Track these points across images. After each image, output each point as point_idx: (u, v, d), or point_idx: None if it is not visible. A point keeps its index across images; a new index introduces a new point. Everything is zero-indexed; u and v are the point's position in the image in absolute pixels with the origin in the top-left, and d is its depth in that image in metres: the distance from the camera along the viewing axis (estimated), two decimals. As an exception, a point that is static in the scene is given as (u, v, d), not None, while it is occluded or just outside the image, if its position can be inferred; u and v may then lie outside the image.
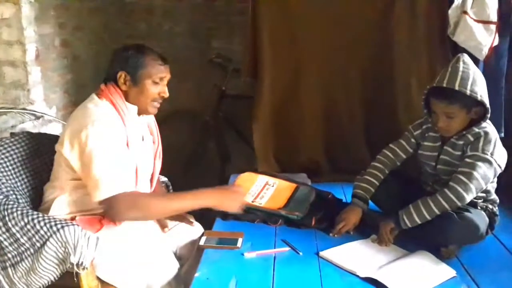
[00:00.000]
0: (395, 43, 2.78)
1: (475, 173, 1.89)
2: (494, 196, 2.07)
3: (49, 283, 1.83)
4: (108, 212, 1.83)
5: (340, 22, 2.78)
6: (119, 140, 1.87)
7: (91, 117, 1.85)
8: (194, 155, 3.56)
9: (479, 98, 1.89)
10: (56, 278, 1.82)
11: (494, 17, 2.55)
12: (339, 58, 2.84)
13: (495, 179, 2.03)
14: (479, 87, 1.90)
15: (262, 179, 2.52)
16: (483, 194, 2.03)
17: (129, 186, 1.84)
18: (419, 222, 1.93)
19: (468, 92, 1.88)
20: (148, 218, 1.95)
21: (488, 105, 1.92)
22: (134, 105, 1.96)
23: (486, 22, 2.55)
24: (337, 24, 2.78)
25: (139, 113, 2.01)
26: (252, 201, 2.32)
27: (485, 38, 2.55)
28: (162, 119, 3.49)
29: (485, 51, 2.57)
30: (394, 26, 2.75)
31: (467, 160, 1.93)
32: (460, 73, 1.90)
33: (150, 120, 2.15)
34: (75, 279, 1.78)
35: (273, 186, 2.47)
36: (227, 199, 1.99)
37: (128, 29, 3.66)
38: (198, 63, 3.60)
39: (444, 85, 1.91)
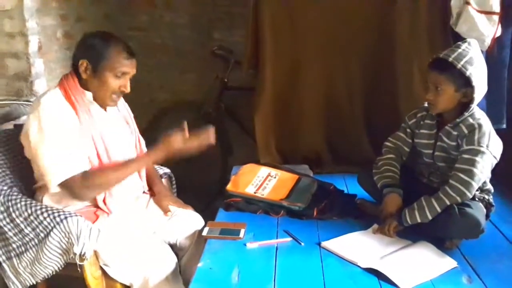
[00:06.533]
0: (396, 33, 2.76)
1: (475, 170, 1.89)
2: (489, 186, 2.08)
3: (54, 273, 1.85)
4: (70, 194, 1.84)
5: (341, 12, 2.76)
6: (65, 126, 1.82)
7: (36, 110, 1.82)
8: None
9: (467, 73, 1.88)
10: (60, 268, 1.84)
11: (497, 7, 2.53)
12: (340, 49, 2.83)
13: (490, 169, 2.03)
14: (473, 68, 1.89)
15: (264, 170, 2.52)
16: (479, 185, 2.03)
17: (80, 166, 1.82)
18: (419, 220, 1.94)
19: (459, 65, 1.88)
20: (107, 189, 1.91)
21: (476, 87, 1.90)
22: (94, 95, 1.92)
23: (489, 13, 2.53)
24: (338, 15, 2.77)
25: (99, 104, 1.96)
26: (255, 192, 2.34)
27: (487, 29, 2.54)
28: (164, 111, 3.54)
29: (488, 42, 2.56)
30: (396, 16, 2.73)
31: (465, 156, 1.93)
32: (459, 50, 1.93)
33: (125, 112, 2.12)
34: (78, 269, 1.80)
35: (275, 177, 2.47)
36: (172, 143, 1.94)
37: (130, 21, 3.65)
38: (200, 54, 3.59)
39: (441, 56, 1.94)
